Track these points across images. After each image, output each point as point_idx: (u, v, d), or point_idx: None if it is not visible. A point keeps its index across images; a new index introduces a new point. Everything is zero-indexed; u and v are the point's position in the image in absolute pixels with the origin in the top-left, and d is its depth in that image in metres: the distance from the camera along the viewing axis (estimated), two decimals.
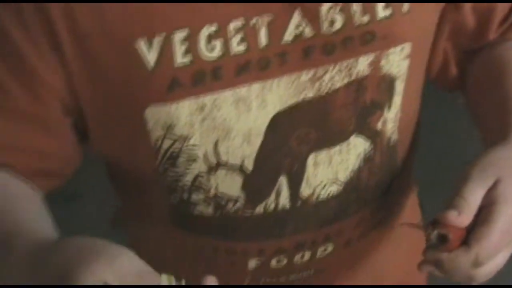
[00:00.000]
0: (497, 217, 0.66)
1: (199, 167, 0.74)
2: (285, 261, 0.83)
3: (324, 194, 0.79)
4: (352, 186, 0.80)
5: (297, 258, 0.83)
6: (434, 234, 0.66)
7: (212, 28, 0.67)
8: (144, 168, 0.76)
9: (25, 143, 0.72)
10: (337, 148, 0.77)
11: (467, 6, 0.80)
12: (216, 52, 0.68)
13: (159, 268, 0.57)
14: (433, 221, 0.66)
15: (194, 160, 0.73)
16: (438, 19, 0.79)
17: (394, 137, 0.81)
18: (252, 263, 0.82)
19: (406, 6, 0.73)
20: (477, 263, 0.66)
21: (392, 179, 0.84)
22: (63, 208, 2.51)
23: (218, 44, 0.68)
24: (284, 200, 0.78)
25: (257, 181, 0.76)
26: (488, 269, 0.68)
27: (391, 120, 0.79)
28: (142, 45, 0.66)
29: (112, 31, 0.66)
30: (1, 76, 0.69)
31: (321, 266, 0.85)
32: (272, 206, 0.78)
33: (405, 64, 0.76)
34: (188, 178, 0.75)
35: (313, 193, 0.78)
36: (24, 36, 0.67)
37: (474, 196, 0.66)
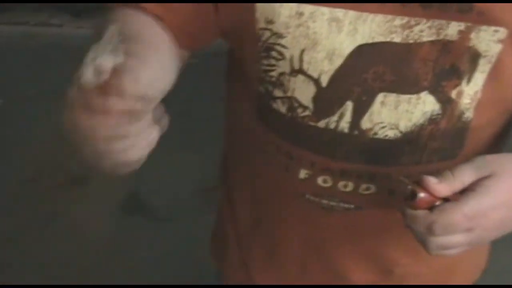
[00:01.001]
0: (467, 201, 0.71)
1: (285, 66, 0.81)
2: (330, 183, 0.88)
3: (381, 134, 0.83)
4: (410, 139, 0.83)
5: (340, 185, 0.88)
6: (408, 189, 0.73)
7: None
8: (249, 53, 0.84)
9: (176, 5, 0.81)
10: (406, 97, 0.80)
11: None
12: None
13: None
14: (417, 181, 0.73)
15: (282, 59, 0.81)
16: None
17: (468, 115, 0.83)
18: (303, 174, 0.88)
19: None
20: (430, 231, 0.72)
21: (455, 156, 0.86)
22: (71, 192, 2.56)
23: None
24: (345, 124, 0.83)
25: (327, 97, 0.81)
26: (441, 242, 0.73)
27: (468, 95, 0.81)
28: None
29: None
30: None
31: (361, 203, 0.90)
32: (333, 125, 0.83)
33: (496, 47, 0.77)
34: (275, 74, 0.82)
35: (371, 129, 0.83)
36: None
37: (461, 173, 0.73)
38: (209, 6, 0.82)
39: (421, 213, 0.73)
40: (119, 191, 2.49)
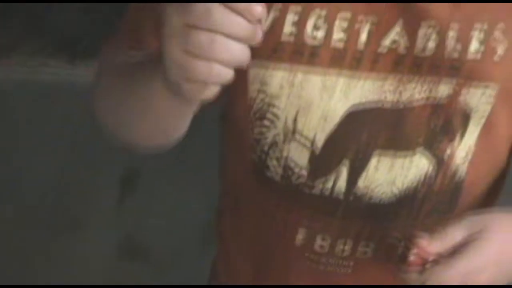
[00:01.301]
0: (459, 260, 0.74)
1: (279, 129, 0.82)
2: (328, 241, 0.88)
3: (378, 192, 0.84)
4: (405, 200, 0.84)
5: (339, 243, 0.88)
6: (400, 250, 0.77)
7: (322, 12, 0.76)
8: (242, 117, 0.84)
9: None
10: (401, 157, 0.82)
11: None
12: (319, 36, 0.77)
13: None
14: (410, 239, 0.76)
15: (277, 121, 0.82)
16: None
17: (461, 174, 0.84)
18: (302, 233, 0.89)
19: (501, 49, 0.77)
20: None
21: (450, 212, 0.86)
22: (66, 237, 2.53)
23: (322, 27, 0.77)
24: (341, 183, 0.84)
25: (322, 159, 0.83)
26: None
27: (460, 155, 0.82)
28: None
29: None
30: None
31: (358, 266, 0.90)
32: (330, 184, 0.84)
33: (487, 106, 0.79)
34: (268, 139, 0.83)
35: (368, 187, 0.84)
36: None
37: (452, 232, 0.75)
38: None
39: (413, 275, 0.75)
40: (114, 234, 2.48)
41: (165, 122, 0.76)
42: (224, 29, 0.58)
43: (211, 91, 0.62)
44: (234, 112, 0.87)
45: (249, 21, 0.59)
